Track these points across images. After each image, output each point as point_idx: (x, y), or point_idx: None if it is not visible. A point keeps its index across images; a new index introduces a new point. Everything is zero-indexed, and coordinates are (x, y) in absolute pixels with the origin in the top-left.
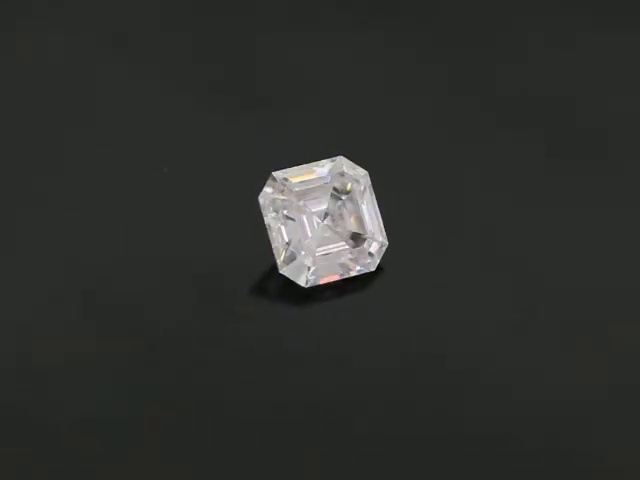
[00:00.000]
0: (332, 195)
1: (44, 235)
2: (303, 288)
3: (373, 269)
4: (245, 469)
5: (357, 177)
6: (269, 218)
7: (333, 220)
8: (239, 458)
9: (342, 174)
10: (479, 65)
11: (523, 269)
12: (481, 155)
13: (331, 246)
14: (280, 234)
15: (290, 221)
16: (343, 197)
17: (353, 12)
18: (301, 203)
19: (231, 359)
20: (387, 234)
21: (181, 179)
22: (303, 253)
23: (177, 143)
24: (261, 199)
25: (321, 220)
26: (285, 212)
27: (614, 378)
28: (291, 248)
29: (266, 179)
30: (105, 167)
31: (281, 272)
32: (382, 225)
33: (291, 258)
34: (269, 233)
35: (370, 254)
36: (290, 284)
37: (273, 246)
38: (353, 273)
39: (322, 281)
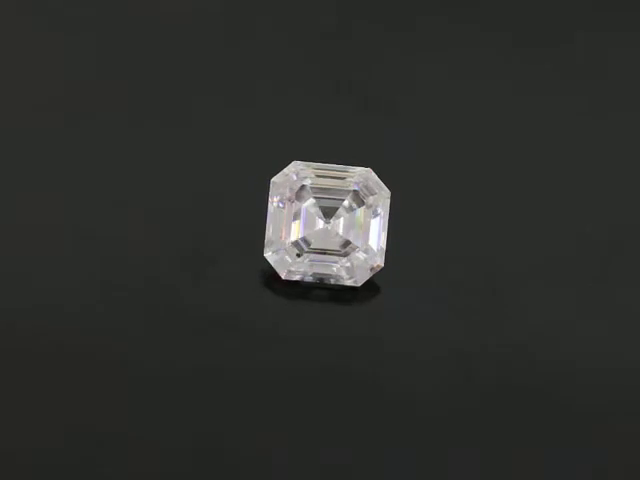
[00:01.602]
0: (347, 202)
1: (43, 226)
2: (302, 287)
3: (358, 284)
4: (244, 469)
5: (378, 194)
6: (275, 201)
7: (337, 225)
8: (238, 458)
9: (365, 186)
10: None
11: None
12: (483, 159)
13: (326, 249)
14: (279, 220)
15: (294, 211)
16: (357, 208)
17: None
18: (312, 198)
19: (230, 359)
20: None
21: (190, 174)
22: (296, 246)
23: (185, 142)
24: (273, 181)
25: (326, 221)
26: (292, 201)
27: (614, 378)
28: (285, 237)
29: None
30: (107, 165)
31: (265, 256)
32: (384, 246)
33: (281, 246)
34: (268, 215)
35: (362, 269)
36: (291, 281)
37: (267, 230)
38: (337, 281)
39: (305, 280)
